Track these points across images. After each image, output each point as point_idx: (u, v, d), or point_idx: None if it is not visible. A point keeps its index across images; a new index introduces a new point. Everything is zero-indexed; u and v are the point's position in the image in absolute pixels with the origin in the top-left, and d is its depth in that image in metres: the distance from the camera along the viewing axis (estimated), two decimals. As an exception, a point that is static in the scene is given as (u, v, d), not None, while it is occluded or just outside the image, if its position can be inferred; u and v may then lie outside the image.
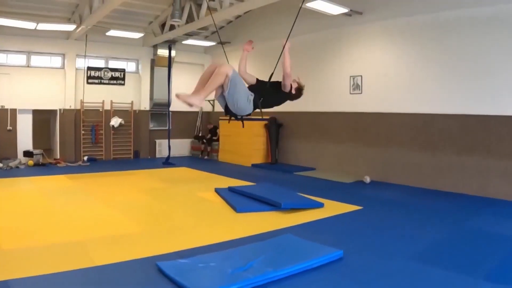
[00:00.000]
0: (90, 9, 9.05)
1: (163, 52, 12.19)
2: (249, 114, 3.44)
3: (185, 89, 14.45)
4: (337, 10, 8.07)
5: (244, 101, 3.18)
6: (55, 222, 4.89)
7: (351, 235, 4.54)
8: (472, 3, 6.87)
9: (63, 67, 11.24)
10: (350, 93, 9.13)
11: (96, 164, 10.69)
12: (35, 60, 10.84)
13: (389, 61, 8.37)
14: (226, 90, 3.11)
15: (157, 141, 12.85)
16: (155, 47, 12.27)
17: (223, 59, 13.97)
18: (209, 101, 13.88)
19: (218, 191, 6.78)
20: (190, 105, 3.08)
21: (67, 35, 10.82)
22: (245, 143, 11.06)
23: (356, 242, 4.27)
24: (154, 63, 12.49)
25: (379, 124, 8.53)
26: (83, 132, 11.41)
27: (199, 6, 9.59)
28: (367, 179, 8.22)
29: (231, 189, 6.72)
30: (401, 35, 8.13)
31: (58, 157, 11.00)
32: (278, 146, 10.87)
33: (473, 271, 3.46)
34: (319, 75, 9.89)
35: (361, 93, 8.90)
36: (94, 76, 11.60)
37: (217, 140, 12.42)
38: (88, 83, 11.46)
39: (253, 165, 10.75)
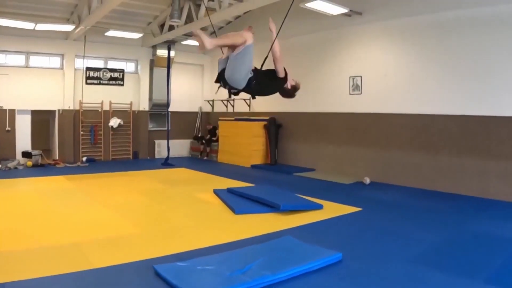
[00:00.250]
0: (88, 10, 9.03)
1: (162, 52, 12.17)
2: (238, 92, 3.27)
3: (185, 90, 14.48)
4: (336, 10, 8.05)
5: (242, 73, 3.04)
6: (53, 224, 4.86)
7: (350, 237, 4.51)
8: (472, 4, 6.85)
9: (62, 68, 11.21)
10: (350, 94, 9.10)
11: (95, 165, 10.66)
12: (34, 60, 10.81)
13: (388, 62, 8.34)
14: (235, 53, 3.02)
15: (156, 141, 12.82)
16: (154, 47, 12.25)
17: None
18: (208, 101, 13.87)
19: (217, 192, 6.75)
20: (200, 42, 2.97)
21: (66, 35, 10.79)
22: (244, 143, 11.03)
23: (355, 244, 4.25)
24: (153, 63, 12.46)
25: (378, 125, 8.51)
26: (82, 132, 11.38)
27: (198, 6, 9.57)
28: (367, 180, 8.19)
29: (230, 191, 6.69)
30: (401, 36, 8.11)
31: (57, 157, 10.97)
32: (278, 147, 10.84)
33: (473, 274, 3.43)
34: (318, 75, 9.87)
35: (361, 93, 8.88)
36: (93, 77, 11.58)
37: (216, 140, 12.40)
38: (87, 83, 11.44)
39: (252, 166, 10.72)
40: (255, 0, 7.85)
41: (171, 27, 10.55)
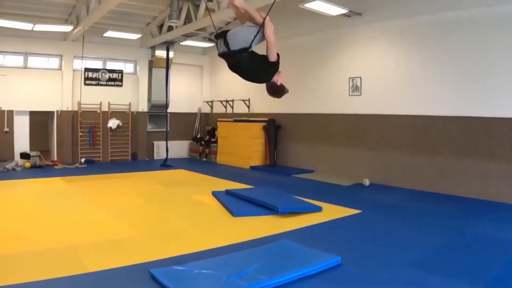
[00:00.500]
0: (87, 10, 8.99)
1: (161, 53, 12.13)
2: (225, 54, 3.00)
3: (184, 91, 14.40)
4: (336, 10, 8.00)
5: (245, 37, 2.89)
6: (49, 226, 4.81)
7: (349, 241, 4.46)
8: (472, 4, 6.80)
9: (60, 69, 11.18)
10: (349, 95, 9.05)
11: (93, 166, 10.61)
12: (32, 61, 10.77)
13: (388, 63, 8.30)
14: (249, 24, 2.98)
15: (155, 142, 12.77)
16: (153, 48, 12.22)
17: (222, 61, 13.93)
18: (207, 102, 13.83)
19: (215, 194, 6.69)
20: None
21: (64, 36, 10.76)
22: (244, 145, 10.98)
23: (354, 247, 4.19)
24: (152, 64, 12.42)
25: (378, 126, 8.45)
26: (80, 133, 11.34)
27: (196, 7, 9.52)
28: (366, 182, 8.14)
29: (228, 192, 6.64)
30: (400, 36, 8.06)
31: (56, 159, 10.92)
32: (277, 148, 10.79)
33: (474, 278, 3.38)
34: (318, 76, 9.83)
35: (360, 94, 8.83)
36: (91, 78, 11.54)
37: (216, 142, 12.35)
38: (85, 84, 11.41)
39: (252, 167, 10.67)
40: (255, 0, 7.80)
41: (170, 28, 10.51)
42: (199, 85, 14.04)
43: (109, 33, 10.62)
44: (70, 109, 11.20)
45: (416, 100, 7.76)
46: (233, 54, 2.96)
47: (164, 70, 11.88)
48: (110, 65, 12.06)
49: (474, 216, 5.65)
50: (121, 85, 12.06)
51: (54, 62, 11.14)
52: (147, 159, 12.54)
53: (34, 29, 9.53)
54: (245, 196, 6.22)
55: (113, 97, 11.85)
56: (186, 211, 5.88)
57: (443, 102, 7.33)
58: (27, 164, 9.92)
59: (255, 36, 2.94)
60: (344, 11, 8.09)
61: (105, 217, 5.38)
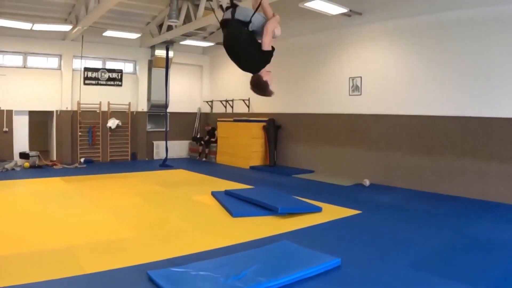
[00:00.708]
0: (86, 10, 8.96)
1: (160, 53, 12.10)
2: (232, 26, 2.98)
3: (183, 91, 14.38)
4: (336, 10, 7.96)
5: (254, 14, 2.94)
6: (47, 227, 4.78)
7: (349, 242, 4.43)
8: (473, 4, 6.77)
9: (59, 68, 11.15)
10: (349, 95, 9.02)
11: (92, 166, 10.59)
12: (32, 61, 10.75)
13: (388, 62, 8.26)
14: (260, 13, 2.99)
15: (155, 142, 12.74)
16: (153, 48, 12.19)
17: (222, 61, 13.87)
18: (207, 102, 13.80)
19: (214, 194, 6.67)
20: None
21: (63, 35, 10.73)
22: (243, 145, 10.96)
23: (354, 249, 4.16)
24: (152, 64, 12.40)
25: (378, 126, 8.42)
26: (80, 133, 11.31)
27: (196, 6, 9.48)
28: (367, 182, 8.11)
29: (228, 193, 6.61)
30: (401, 36, 8.03)
31: (55, 158, 10.89)
32: (277, 148, 10.76)
33: (475, 280, 3.35)
34: (318, 76, 9.80)
35: (361, 94, 8.80)
36: (91, 77, 11.52)
37: (215, 142, 12.32)
38: (85, 84, 11.38)
39: (251, 167, 10.64)
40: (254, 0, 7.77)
41: (170, 27, 10.48)
42: (199, 85, 14.01)
43: (109, 33, 10.59)
44: (69, 109, 11.17)
45: (417, 100, 7.73)
46: (234, 25, 2.95)
47: (164, 69, 11.84)
48: (110, 65, 12.04)
49: (474, 217, 5.62)
50: (120, 85, 12.03)
51: (53, 61, 11.11)
52: (146, 159, 12.51)
53: (33, 28, 9.50)
54: (244, 197, 6.19)
55: (112, 97, 11.82)
56: (185, 212, 5.85)
57: (444, 102, 7.30)
58: (26, 164, 9.89)
59: (261, 19, 2.96)
60: (344, 10, 8.05)
61: (104, 217, 5.35)
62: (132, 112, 12.26)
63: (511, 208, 6.14)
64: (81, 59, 11.19)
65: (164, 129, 11.91)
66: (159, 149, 12.56)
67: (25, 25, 9.35)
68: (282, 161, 10.71)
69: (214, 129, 12.62)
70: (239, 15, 2.97)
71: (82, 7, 9.12)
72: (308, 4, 7.53)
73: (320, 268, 3.40)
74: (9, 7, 9.14)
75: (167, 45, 11.81)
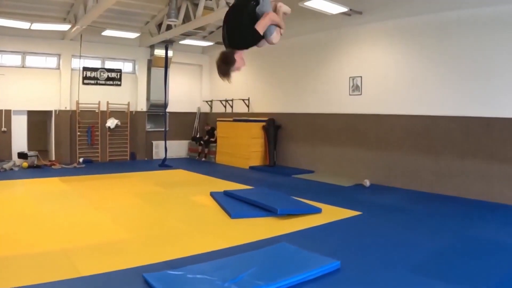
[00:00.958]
0: (84, 9, 8.90)
1: (160, 52, 12.03)
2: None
3: (183, 90, 14.35)
4: (336, 9, 7.90)
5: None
6: (43, 229, 4.72)
7: (349, 244, 4.37)
8: (474, 4, 6.70)
9: (58, 68, 11.09)
10: (350, 95, 8.96)
11: (91, 166, 10.53)
12: (30, 60, 10.69)
13: (389, 62, 8.20)
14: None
15: (154, 142, 12.69)
16: (152, 47, 12.13)
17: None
18: (207, 102, 13.74)
19: (213, 195, 6.61)
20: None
21: (62, 35, 10.67)
22: (243, 145, 10.90)
23: (354, 251, 4.10)
24: (151, 63, 12.34)
25: (379, 126, 8.36)
26: (78, 133, 11.26)
27: (195, 5, 9.42)
28: (367, 183, 8.05)
29: (227, 193, 6.55)
30: (401, 36, 7.97)
31: (54, 158, 10.84)
32: (276, 148, 10.70)
33: (477, 283, 3.29)
34: (318, 76, 9.74)
35: (361, 94, 8.73)
36: (90, 77, 11.46)
37: (215, 141, 12.26)
38: (84, 83, 11.32)
39: (251, 168, 10.58)
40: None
41: (169, 27, 10.42)
42: (198, 85, 13.95)
43: (108, 32, 10.53)
44: (68, 108, 11.12)
45: (417, 100, 7.66)
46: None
47: (163, 69, 11.79)
48: (109, 64, 11.98)
49: (476, 218, 5.56)
50: (119, 85, 11.97)
51: (52, 61, 11.05)
52: (146, 159, 12.45)
53: (32, 28, 9.44)
54: (243, 197, 6.13)
55: (111, 97, 11.75)
56: (184, 213, 5.79)
57: (444, 102, 7.24)
58: (25, 164, 9.84)
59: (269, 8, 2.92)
60: (344, 9, 7.98)
61: (101, 218, 5.29)
62: (131, 112, 12.21)
63: (513, 209, 6.08)
64: (80, 58, 11.14)
65: (163, 129, 11.84)
66: (159, 149, 12.50)
67: (24, 25, 9.30)
68: (282, 161, 10.65)
69: (213, 129, 12.56)
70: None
71: (80, 6, 9.06)
72: (308, 3, 7.46)
73: (319, 271, 3.34)
74: (7, 6, 9.08)
75: (167, 44, 11.74)
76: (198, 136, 13.39)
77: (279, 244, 4.07)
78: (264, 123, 10.84)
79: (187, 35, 11.03)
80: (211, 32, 11.96)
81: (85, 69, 11.35)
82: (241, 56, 2.92)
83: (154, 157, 12.56)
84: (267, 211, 5.46)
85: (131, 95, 12.24)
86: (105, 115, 11.68)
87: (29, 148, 10.55)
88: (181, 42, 11.86)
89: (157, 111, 12.57)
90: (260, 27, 2.87)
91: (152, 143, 12.68)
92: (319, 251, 3.89)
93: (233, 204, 5.87)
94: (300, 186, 8.00)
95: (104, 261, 3.67)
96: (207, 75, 13.90)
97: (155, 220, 5.38)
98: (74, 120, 11.20)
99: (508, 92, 6.40)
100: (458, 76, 7.06)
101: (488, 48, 6.62)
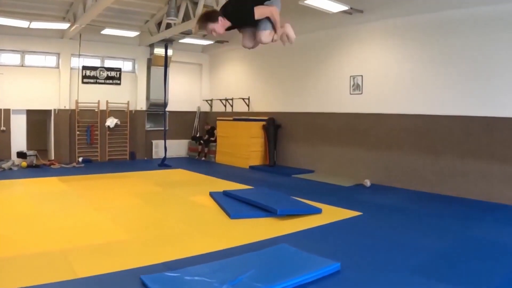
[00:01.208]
0: (84, 7, 8.85)
1: (159, 51, 11.98)
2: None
3: (183, 89, 14.31)
4: (336, 7, 7.84)
5: None
6: (40, 229, 4.67)
7: (349, 245, 4.32)
8: (475, 2, 6.65)
9: (57, 67, 11.04)
10: (350, 94, 8.91)
11: (91, 166, 10.49)
12: (29, 59, 10.64)
13: (390, 61, 8.15)
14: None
15: (154, 142, 12.64)
16: (152, 46, 12.08)
17: (222, 59, 13.77)
18: (207, 101, 13.70)
19: (212, 195, 6.56)
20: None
21: (61, 34, 10.62)
22: (243, 144, 10.85)
23: (354, 252, 4.05)
24: (151, 62, 12.29)
25: (380, 126, 8.31)
26: (78, 132, 11.21)
27: (195, 4, 9.37)
28: (367, 183, 8.00)
29: (226, 193, 6.50)
30: (403, 34, 7.91)
31: (53, 158, 10.80)
32: (276, 148, 10.65)
33: (478, 285, 3.25)
34: (318, 75, 9.68)
35: (362, 93, 8.68)
36: (89, 76, 11.41)
37: (215, 141, 12.22)
38: (83, 82, 11.27)
39: (251, 167, 10.54)
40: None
41: (169, 25, 10.37)
42: (198, 84, 13.90)
43: (107, 31, 10.48)
44: (67, 107, 11.07)
45: (418, 99, 7.61)
46: None
47: (163, 68, 11.73)
48: (108, 63, 11.93)
49: (478, 219, 5.51)
50: (119, 84, 11.93)
51: (51, 60, 11.00)
52: (145, 158, 12.41)
53: (31, 26, 9.39)
54: (242, 198, 6.08)
55: (111, 96, 11.70)
56: (182, 213, 5.75)
57: (445, 101, 7.19)
58: (24, 164, 9.80)
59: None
60: (345, 7, 7.92)
61: (99, 219, 5.25)
62: (131, 111, 12.16)
63: (515, 209, 6.03)
64: (79, 57, 11.09)
65: (163, 128, 11.79)
66: (158, 149, 12.45)
67: (23, 23, 9.24)
68: (282, 161, 10.60)
69: (213, 128, 12.51)
70: None
71: (80, 5, 9.01)
72: (308, 2, 7.41)
73: (319, 273, 3.29)
74: (6, 4, 9.04)
75: (166, 43, 11.68)
76: (198, 135, 13.34)
77: (278, 245, 4.02)
78: (264, 123, 10.79)
79: (186, 33, 10.99)
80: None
81: (85, 68, 11.31)
82: (224, 24, 2.93)
83: (154, 156, 12.51)
84: (267, 211, 5.41)
85: (130, 94, 12.19)
86: (105, 114, 11.63)
87: (28, 148, 10.50)
88: (180, 41, 11.81)
89: (156, 110, 12.52)
90: (259, 11, 2.89)
91: (151, 143, 12.64)
92: (319, 252, 3.85)
93: (232, 204, 5.83)
94: (300, 186, 7.96)
95: (102, 262, 3.63)
96: (207, 74, 13.85)
97: (154, 221, 5.33)
98: (74, 120, 11.16)
99: (509, 91, 6.34)
100: (459, 76, 7.00)
101: (489, 47, 6.57)
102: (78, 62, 11.16)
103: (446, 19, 7.14)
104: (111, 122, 11.59)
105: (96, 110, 11.53)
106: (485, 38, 6.61)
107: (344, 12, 8.18)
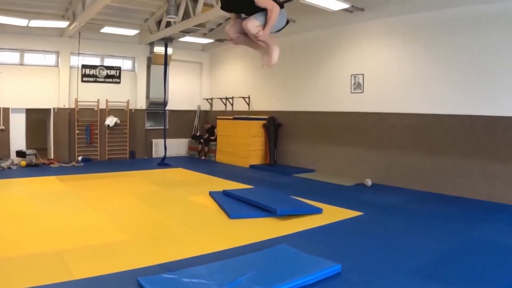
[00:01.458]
0: (83, 6, 8.79)
1: (159, 49, 11.91)
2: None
3: (183, 88, 14.25)
4: (337, 5, 7.77)
5: None
6: (37, 230, 4.62)
7: (350, 246, 4.25)
8: (477, 0, 6.57)
9: (57, 65, 10.99)
10: (351, 92, 8.84)
11: (90, 165, 10.44)
12: (29, 58, 10.59)
13: (391, 60, 8.07)
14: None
15: (154, 140, 12.59)
16: (152, 44, 12.02)
17: (222, 58, 13.70)
18: (207, 100, 13.64)
19: (212, 194, 6.50)
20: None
21: (61, 32, 10.57)
22: (243, 143, 10.79)
23: (355, 253, 3.99)
24: (151, 61, 12.23)
25: (381, 125, 8.24)
26: (77, 131, 11.16)
27: (195, 2, 9.31)
28: (368, 182, 7.94)
29: (226, 193, 6.45)
30: (404, 33, 7.84)
31: (52, 157, 10.75)
32: (277, 147, 10.59)
33: (481, 287, 3.18)
34: (319, 73, 9.61)
35: (363, 92, 8.61)
36: (89, 74, 11.36)
37: (215, 140, 12.16)
38: (82, 81, 11.23)
39: (251, 166, 10.48)
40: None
41: (168, 24, 10.31)
42: (198, 82, 13.84)
43: (106, 29, 10.43)
44: (67, 106, 11.03)
45: (420, 98, 7.54)
46: None
47: (163, 66, 11.66)
48: (108, 62, 11.88)
49: (480, 219, 5.44)
50: (119, 82, 11.87)
51: (50, 59, 10.95)
52: (145, 157, 12.36)
53: (30, 25, 9.35)
54: (242, 197, 6.03)
55: (110, 95, 11.66)
56: (182, 213, 5.69)
57: (447, 100, 7.12)
58: (23, 163, 9.75)
59: None
60: (346, 5, 7.85)
61: (97, 219, 5.19)
62: (130, 110, 12.11)
63: (518, 209, 5.96)
64: (79, 56, 11.04)
65: (163, 127, 11.73)
66: (158, 147, 12.40)
67: (22, 22, 9.20)
68: (282, 160, 10.54)
69: (213, 127, 12.45)
70: None
71: (79, 3, 8.97)
72: (309, 0, 7.34)
73: (319, 275, 3.23)
74: (5, 3, 8.98)
75: (166, 42, 11.60)
76: (198, 134, 13.28)
77: (278, 246, 3.96)
78: (264, 122, 10.73)
79: (186, 32, 10.91)
80: (211, 29, 11.85)
81: (84, 66, 11.25)
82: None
83: (154, 155, 12.46)
84: (267, 211, 5.36)
85: (130, 93, 12.14)
86: (104, 113, 11.58)
87: (28, 147, 10.45)
88: (180, 39, 11.74)
89: (156, 109, 12.47)
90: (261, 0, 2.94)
91: (151, 142, 12.59)
92: (319, 253, 3.79)
93: (232, 204, 5.77)
94: (301, 186, 7.90)
95: (99, 264, 3.57)
96: (207, 73, 13.79)
97: (153, 221, 5.27)
98: (73, 118, 11.11)
99: (513, 90, 6.28)
100: (461, 74, 6.93)
101: (492, 45, 6.49)
102: (77, 61, 11.11)
103: (447, 17, 7.06)
104: (110, 121, 11.54)
105: (96, 109, 11.48)
106: (487, 36, 6.53)
107: (345, 10, 8.10)
